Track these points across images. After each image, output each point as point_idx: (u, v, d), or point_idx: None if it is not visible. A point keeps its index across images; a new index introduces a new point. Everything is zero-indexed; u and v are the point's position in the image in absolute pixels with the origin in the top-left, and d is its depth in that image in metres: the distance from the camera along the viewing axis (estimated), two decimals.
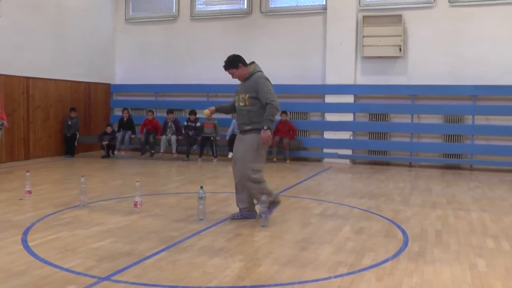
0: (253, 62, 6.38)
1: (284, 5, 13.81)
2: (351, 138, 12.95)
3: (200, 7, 14.68)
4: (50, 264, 4.53)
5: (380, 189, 8.93)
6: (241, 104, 6.26)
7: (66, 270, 4.37)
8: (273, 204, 6.36)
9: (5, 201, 7.33)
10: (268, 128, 6.05)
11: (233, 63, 6.30)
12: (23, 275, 4.26)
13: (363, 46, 12.64)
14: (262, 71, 6.36)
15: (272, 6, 13.88)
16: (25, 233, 5.57)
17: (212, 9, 14.56)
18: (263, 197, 6.05)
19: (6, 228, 5.77)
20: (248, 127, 6.19)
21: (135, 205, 6.61)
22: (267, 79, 6.23)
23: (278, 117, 12.81)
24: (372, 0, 12.94)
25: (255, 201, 6.43)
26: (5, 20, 11.77)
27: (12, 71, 12.02)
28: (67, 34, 13.65)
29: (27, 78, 12.50)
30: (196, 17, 14.60)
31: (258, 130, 6.10)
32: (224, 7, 14.42)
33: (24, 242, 5.22)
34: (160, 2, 15.10)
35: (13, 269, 4.39)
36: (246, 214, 6.43)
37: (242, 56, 6.37)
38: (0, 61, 11.61)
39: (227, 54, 6.53)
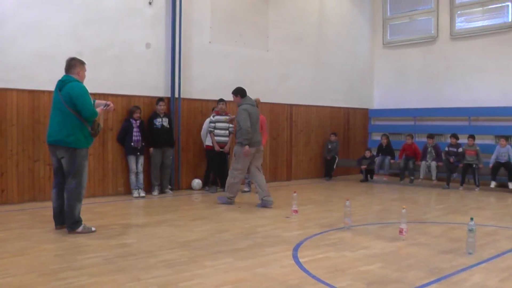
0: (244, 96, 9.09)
1: None
2: None
3: (460, 25, 13.92)
4: (322, 281, 4.64)
5: None
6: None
7: None
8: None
9: (273, 218, 7.86)
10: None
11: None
12: None
13: None
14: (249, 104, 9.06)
15: None
16: (295, 249, 5.85)
17: (473, 26, 13.62)
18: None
19: (277, 243, 6.14)
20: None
21: (401, 232, 6.43)
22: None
23: None
24: None
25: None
26: (272, 53, 12.85)
27: (277, 99, 13.01)
28: (327, 62, 14.25)
29: (291, 105, 13.36)
30: (456, 36, 13.87)
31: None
32: (486, 22, 13.37)
33: (295, 257, 5.47)
34: (418, 24, 14.79)
35: (287, 282, 4.62)
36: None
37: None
38: (267, 90, 12.64)
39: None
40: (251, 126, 8.76)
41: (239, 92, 9.10)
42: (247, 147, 8.71)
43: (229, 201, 9.09)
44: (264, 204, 8.85)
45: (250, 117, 8.79)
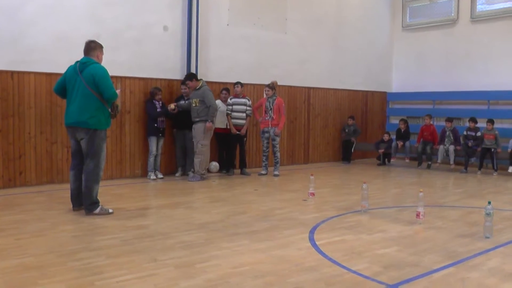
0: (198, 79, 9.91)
1: None
2: None
3: (481, 7, 13.59)
4: (338, 264, 4.64)
5: None
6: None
7: (354, 272, 4.43)
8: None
9: (290, 201, 7.86)
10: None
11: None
12: (314, 271, 4.45)
13: None
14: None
15: None
16: (312, 232, 5.84)
17: (495, 7, 13.29)
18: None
19: (294, 226, 6.14)
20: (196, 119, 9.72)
21: (418, 215, 6.39)
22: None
23: None
24: None
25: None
26: (290, 36, 12.72)
27: (295, 82, 12.92)
28: (346, 45, 14.10)
29: (308, 88, 13.28)
30: (477, 18, 13.59)
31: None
32: (508, 4, 12.98)
33: (312, 240, 5.47)
34: (438, 6, 14.52)
35: (304, 264, 4.63)
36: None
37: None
38: (285, 73, 12.56)
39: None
40: None
41: (194, 76, 9.94)
42: (211, 123, 9.65)
43: (203, 177, 9.84)
44: (198, 178, 9.77)
45: None
